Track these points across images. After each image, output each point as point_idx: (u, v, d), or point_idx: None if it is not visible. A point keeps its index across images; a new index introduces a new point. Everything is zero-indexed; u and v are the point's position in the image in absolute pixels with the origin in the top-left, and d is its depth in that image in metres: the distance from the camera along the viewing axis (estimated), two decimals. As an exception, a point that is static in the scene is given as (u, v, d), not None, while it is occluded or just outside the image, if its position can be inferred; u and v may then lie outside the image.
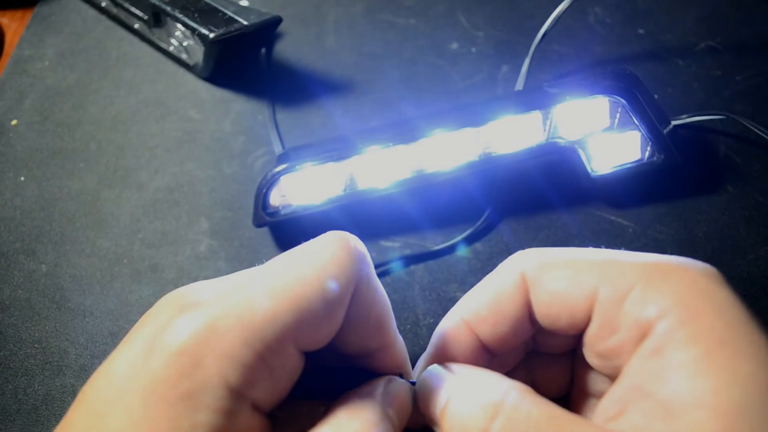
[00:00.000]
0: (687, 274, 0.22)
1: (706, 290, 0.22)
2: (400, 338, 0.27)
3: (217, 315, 0.21)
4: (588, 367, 0.26)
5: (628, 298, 0.23)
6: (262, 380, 0.21)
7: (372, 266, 0.25)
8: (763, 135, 0.45)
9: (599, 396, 0.27)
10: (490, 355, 0.27)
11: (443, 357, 0.27)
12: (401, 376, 0.26)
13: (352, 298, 0.23)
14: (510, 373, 0.29)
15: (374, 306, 0.25)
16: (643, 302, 0.22)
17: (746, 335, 0.20)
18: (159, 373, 0.20)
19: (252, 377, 0.21)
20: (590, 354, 0.25)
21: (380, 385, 0.25)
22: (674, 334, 0.21)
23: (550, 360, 0.29)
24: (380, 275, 0.42)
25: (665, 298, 0.22)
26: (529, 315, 0.26)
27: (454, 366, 0.26)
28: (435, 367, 0.26)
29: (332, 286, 0.22)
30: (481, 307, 0.26)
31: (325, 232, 0.26)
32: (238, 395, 0.20)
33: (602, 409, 0.23)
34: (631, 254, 0.24)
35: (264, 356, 0.21)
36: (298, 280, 0.22)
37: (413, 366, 0.29)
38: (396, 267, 0.42)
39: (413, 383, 0.26)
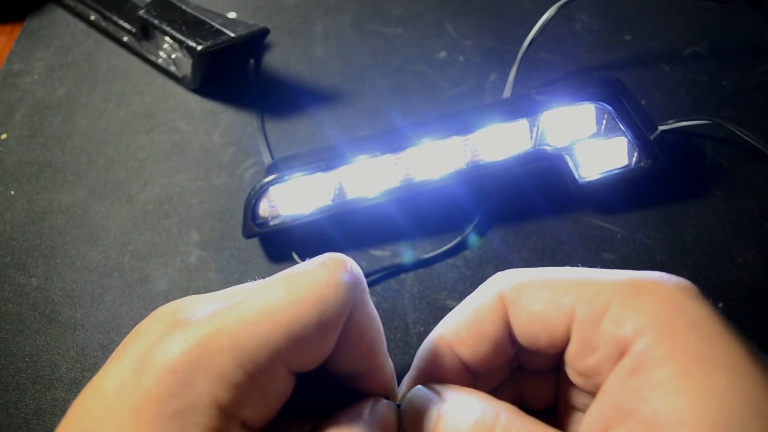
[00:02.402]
0: (661, 289, 0.23)
1: (680, 305, 0.22)
2: (389, 362, 0.27)
3: (209, 334, 0.21)
4: (572, 382, 0.26)
5: (604, 317, 0.23)
6: (253, 400, 0.21)
7: (367, 291, 0.25)
8: (749, 139, 0.45)
9: (584, 409, 0.27)
10: (473, 375, 0.27)
11: (427, 378, 0.27)
12: (386, 397, 0.27)
13: (346, 322, 0.23)
14: (497, 388, 0.29)
15: (367, 331, 0.25)
16: (620, 321, 0.22)
17: (722, 348, 0.21)
18: (150, 390, 0.20)
19: (242, 397, 0.21)
20: (572, 372, 0.25)
21: (367, 405, 0.25)
22: (651, 353, 0.21)
23: (535, 375, 0.29)
24: (370, 284, 0.42)
25: (641, 316, 0.22)
26: (509, 335, 0.26)
27: (440, 387, 0.26)
28: (420, 389, 0.26)
29: (327, 310, 0.22)
30: (461, 329, 0.27)
31: (314, 241, 0.26)
32: (228, 414, 0.21)
33: (586, 426, 0.23)
34: (607, 272, 0.24)
35: (255, 377, 0.21)
36: (292, 302, 0.22)
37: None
38: (385, 276, 0.42)
39: (398, 405, 0.26)
